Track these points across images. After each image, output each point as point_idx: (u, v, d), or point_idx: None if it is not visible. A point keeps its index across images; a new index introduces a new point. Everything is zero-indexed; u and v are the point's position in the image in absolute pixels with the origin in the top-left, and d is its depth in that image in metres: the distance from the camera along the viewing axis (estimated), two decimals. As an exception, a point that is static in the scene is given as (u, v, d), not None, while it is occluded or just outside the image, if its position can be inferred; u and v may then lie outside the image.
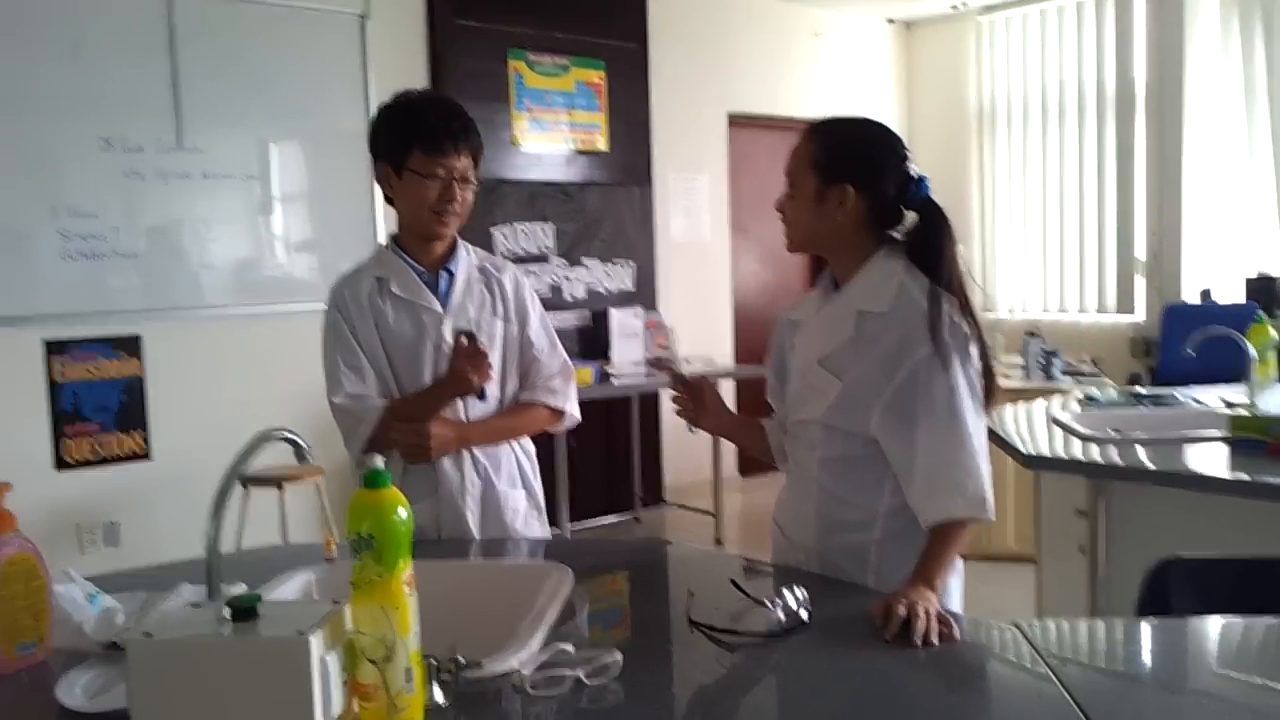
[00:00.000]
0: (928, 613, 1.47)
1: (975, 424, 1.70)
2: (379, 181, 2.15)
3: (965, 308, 1.74)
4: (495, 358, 2.17)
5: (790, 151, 1.82)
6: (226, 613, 1.13)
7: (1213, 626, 1.54)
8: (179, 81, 4.36)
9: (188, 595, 1.60)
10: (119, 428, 4.31)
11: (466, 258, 2.22)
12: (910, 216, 1.79)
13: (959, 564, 1.80)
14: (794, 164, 1.81)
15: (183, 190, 4.41)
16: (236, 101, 4.53)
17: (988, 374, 1.75)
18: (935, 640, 1.45)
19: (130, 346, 4.33)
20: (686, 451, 6.04)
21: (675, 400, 2.00)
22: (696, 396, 1.98)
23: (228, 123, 4.52)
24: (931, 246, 1.75)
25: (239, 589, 1.62)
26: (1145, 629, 1.57)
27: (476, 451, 2.18)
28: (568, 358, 2.30)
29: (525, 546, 2.15)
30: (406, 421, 2.08)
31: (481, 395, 2.12)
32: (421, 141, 2.06)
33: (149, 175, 4.32)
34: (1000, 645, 1.49)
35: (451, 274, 2.19)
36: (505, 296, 2.23)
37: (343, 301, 2.17)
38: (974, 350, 1.72)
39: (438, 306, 2.16)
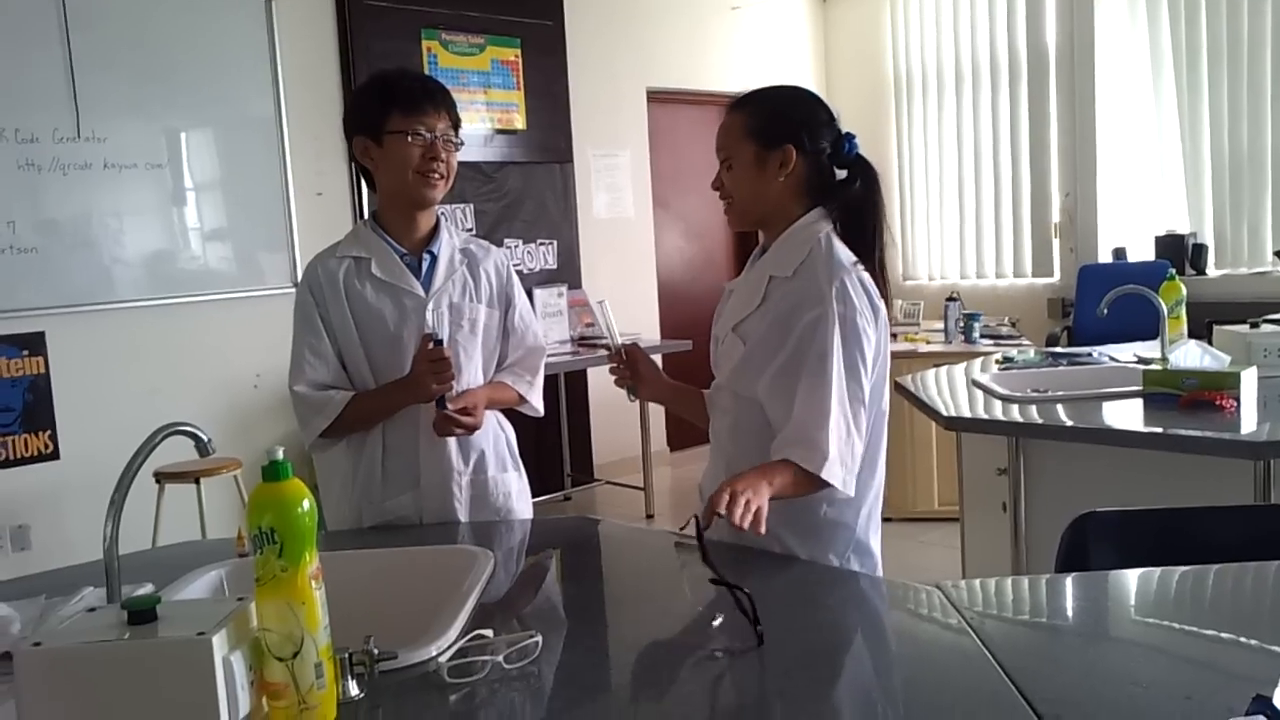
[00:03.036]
0: (749, 502, 1.51)
1: (843, 394, 1.67)
2: (358, 158, 2.08)
3: (881, 271, 1.74)
4: (476, 344, 2.13)
5: (720, 129, 1.80)
6: (123, 616, 1.08)
7: (1129, 578, 1.57)
8: (74, 69, 4.19)
9: (90, 599, 1.54)
10: (25, 429, 4.15)
11: (449, 240, 2.15)
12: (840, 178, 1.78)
13: (878, 524, 1.81)
14: (727, 138, 1.79)
15: (83, 181, 4.24)
16: (138, 88, 4.37)
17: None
18: (744, 526, 1.48)
19: (33, 344, 4.16)
20: (615, 428, 6.03)
21: (613, 371, 2.01)
22: (632, 366, 1.99)
23: (130, 111, 4.36)
24: (867, 202, 1.76)
25: (146, 589, 1.56)
26: (1062, 583, 1.59)
27: (467, 438, 2.11)
28: (543, 344, 2.27)
29: (461, 530, 2.10)
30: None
31: (441, 404, 2.02)
32: (399, 103, 2.01)
33: (46, 166, 4.14)
34: (920, 605, 1.50)
35: (434, 256, 2.12)
36: (490, 280, 2.17)
37: (315, 280, 2.09)
38: (863, 324, 1.69)
39: (420, 290, 2.08)
